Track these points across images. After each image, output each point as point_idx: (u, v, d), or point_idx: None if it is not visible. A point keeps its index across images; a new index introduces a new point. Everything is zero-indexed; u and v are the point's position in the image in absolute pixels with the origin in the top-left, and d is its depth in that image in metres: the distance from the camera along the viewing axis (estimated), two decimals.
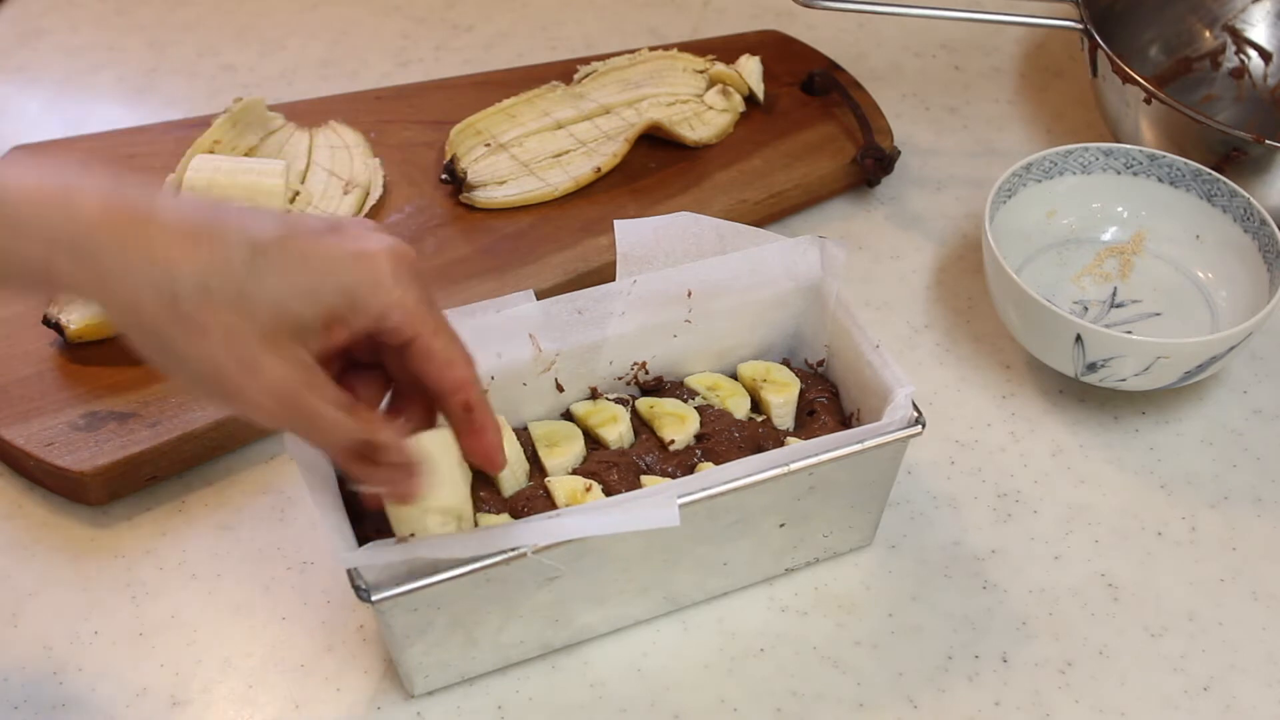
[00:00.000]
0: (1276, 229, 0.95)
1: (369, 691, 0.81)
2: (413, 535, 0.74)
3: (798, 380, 0.87)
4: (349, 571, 0.73)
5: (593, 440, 0.85)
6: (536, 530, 0.74)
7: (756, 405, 0.87)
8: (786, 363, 0.89)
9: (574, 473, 0.83)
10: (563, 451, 0.83)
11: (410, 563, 0.73)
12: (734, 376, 0.88)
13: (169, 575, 0.86)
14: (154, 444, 0.88)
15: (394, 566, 0.73)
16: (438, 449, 0.73)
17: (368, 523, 0.77)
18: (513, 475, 0.82)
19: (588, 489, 0.81)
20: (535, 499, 0.81)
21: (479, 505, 0.80)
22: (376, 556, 0.72)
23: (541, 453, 0.83)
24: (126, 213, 0.63)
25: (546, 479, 0.82)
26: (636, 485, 0.82)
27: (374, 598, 0.73)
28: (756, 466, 0.77)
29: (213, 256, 0.64)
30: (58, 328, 0.91)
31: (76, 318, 0.91)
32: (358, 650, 0.82)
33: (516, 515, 0.80)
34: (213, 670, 0.82)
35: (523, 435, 0.84)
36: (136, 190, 0.64)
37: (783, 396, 0.86)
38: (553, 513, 0.74)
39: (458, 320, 0.82)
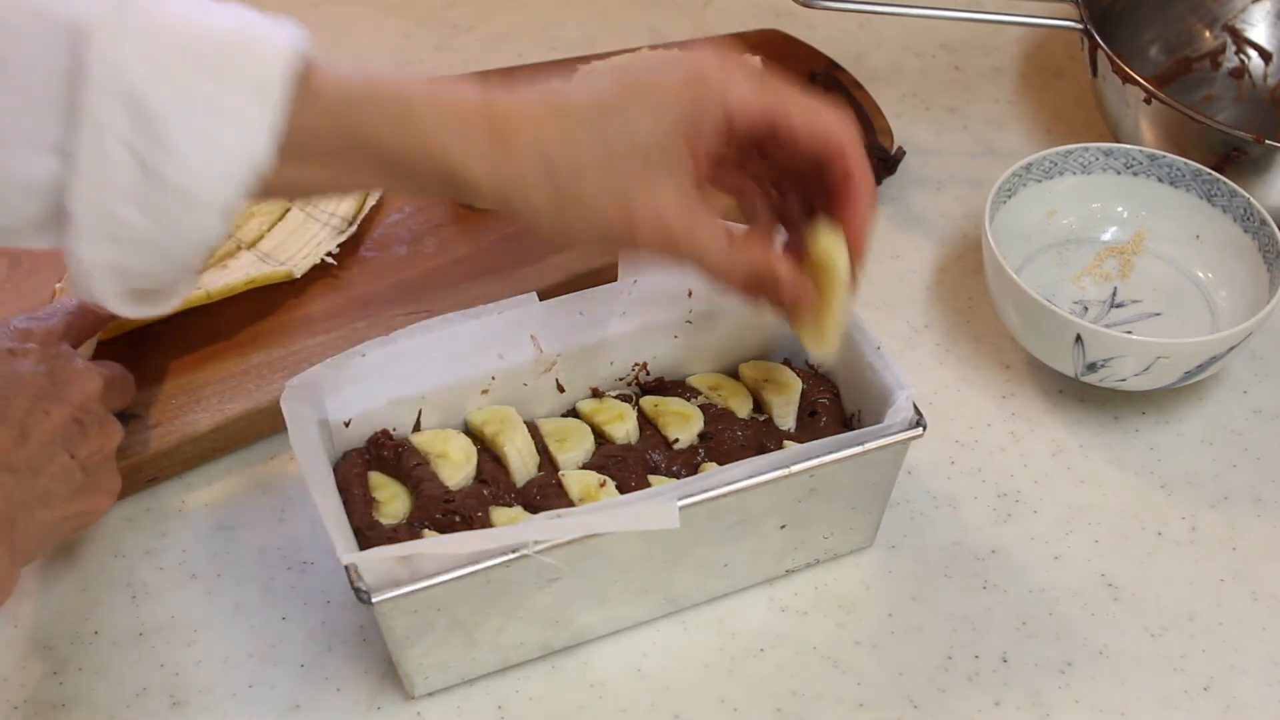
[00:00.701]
0: (1276, 229, 0.95)
1: (369, 691, 0.81)
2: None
3: (799, 380, 0.87)
4: (349, 572, 0.73)
5: (598, 437, 0.85)
6: (537, 530, 0.74)
7: (758, 405, 0.87)
8: (788, 363, 0.89)
9: (585, 467, 0.83)
10: (573, 446, 0.84)
11: (410, 563, 0.73)
12: (735, 376, 0.89)
13: (169, 575, 0.86)
14: (155, 445, 0.88)
15: (394, 568, 0.73)
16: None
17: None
18: (524, 465, 0.82)
19: (601, 484, 0.81)
20: (548, 487, 0.81)
21: (489, 496, 0.80)
22: (377, 557, 0.72)
23: (552, 447, 0.84)
24: (497, 119, 0.71)
25: (560, 473, 0.82)
26: (646, 481, 0.82)
27: (374, 599, 0.73)
28: (757, 468, 0.77)
29: (573, 129, 0.71)
30: None
31: None
32: (358, 650, 0.82)
33: (530, 504, 0.81)
34: (213, 670, 0.82)
35: (532, 430, 0.85)
36: (498, 92, 0.72)
37: (784, 397, 0.86)
38: (552, 513, 0.74)
39: (460, 322, 0.83)
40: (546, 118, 0.72)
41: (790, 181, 0.79)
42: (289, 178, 0.69)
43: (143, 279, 0.69)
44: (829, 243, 0.76)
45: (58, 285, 0.94)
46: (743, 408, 0.86)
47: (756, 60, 0.94)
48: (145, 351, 0.92)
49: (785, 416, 0.86)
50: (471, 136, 0.71)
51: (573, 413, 0.87)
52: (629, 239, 0.73)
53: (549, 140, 0.71)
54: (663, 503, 0.74)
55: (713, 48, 0.75)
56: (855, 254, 0.77)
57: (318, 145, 0.69)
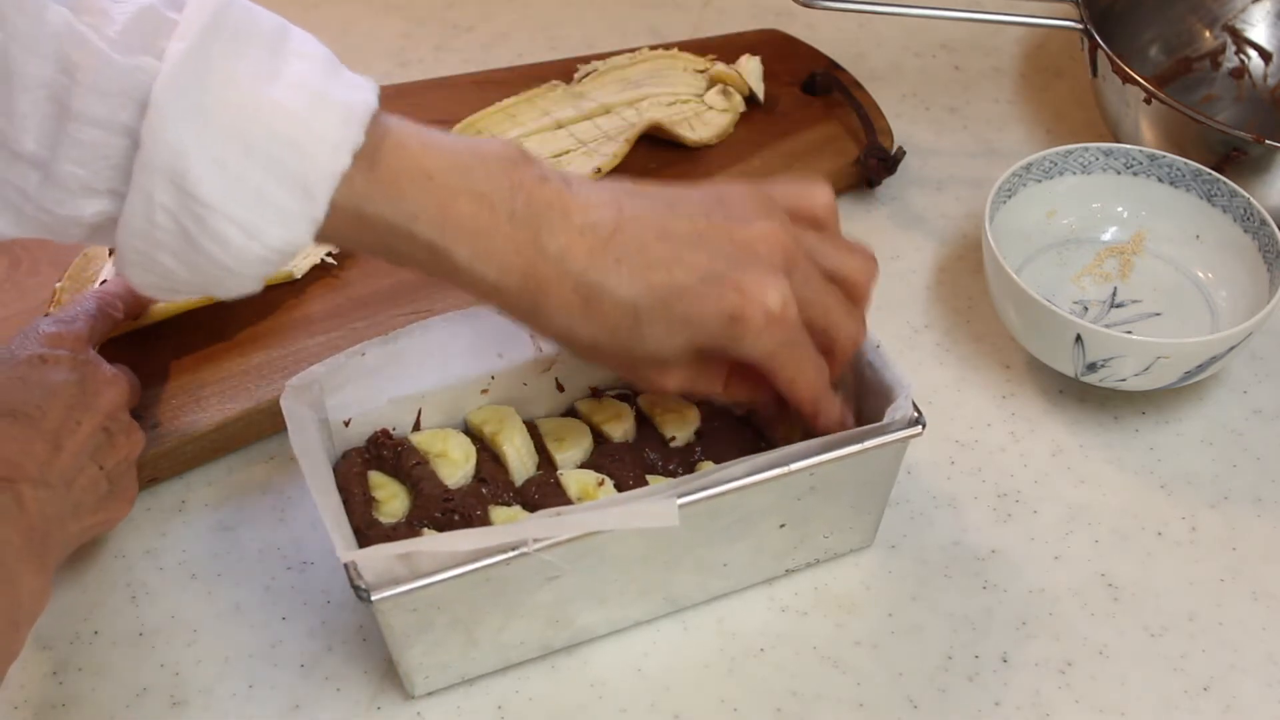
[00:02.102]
0: (1276, 229, 0.95)
1: (369, 691, 0.81)
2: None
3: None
4: (348, 570, 0.73)
5: (597, 436, 0.85)
6: (536, 528, 0.74)
7: None
8: None
9: (583, 466, 0.83)
10: (571, 446, 0.84)
11: (410, 562, 0.73)
12: None
13: (169, 575, 0.86)
14: (154, 446, 0.88)
15: (394, 566, 0.73)
16: None
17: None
18: (522, 464, 0.83)
19: (600, 484, 0.81)
20: (546, 486, 0.81)
21: (488, 495, 0.81)
22: (376, 556, 0.72)
23: (550, 446, 0.84)
24: (534, 282, 0.73)
25: (558, 472, 0.82)
26: (643, 480, 0.82)
27: (374, 598, 0.73)
28: (757, 467, 0.77)
29: (603, 323, 0.74)
30: None
31: None
32: (358, 650, 0.82)
33: (528, 503, 0.81)
34: (213, 670, 0.82)
35: (531, 430, 0.85)
36: (540, 248, 0.73)
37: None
38: (552, 510, 0.75)
39: (460, 321, 0.83)
40: (575, 291, 0.73)
41: None
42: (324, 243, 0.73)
43: (180, 292, 0.72)
44: None
45: (58, 285, 0.94)
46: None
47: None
48: (145, 351, 0.92)
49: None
50: (507, 276, 0.73)
51: (571, 412, 0.87)
52: (632, 383, 0.83)
53: (572, 313, 0.73)
54: (662, 501, 0.74)
55: (783, 286, 0.75)
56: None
57: (356, 239, 0.72)
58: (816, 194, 0.80)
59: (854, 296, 0.80)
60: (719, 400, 0.82)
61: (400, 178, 0.70)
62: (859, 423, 0.85)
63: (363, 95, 0.69)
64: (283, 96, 0.67)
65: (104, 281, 0.91)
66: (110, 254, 0.94)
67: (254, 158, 0.67)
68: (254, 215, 0.67)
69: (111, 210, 0.67)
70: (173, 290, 0.71)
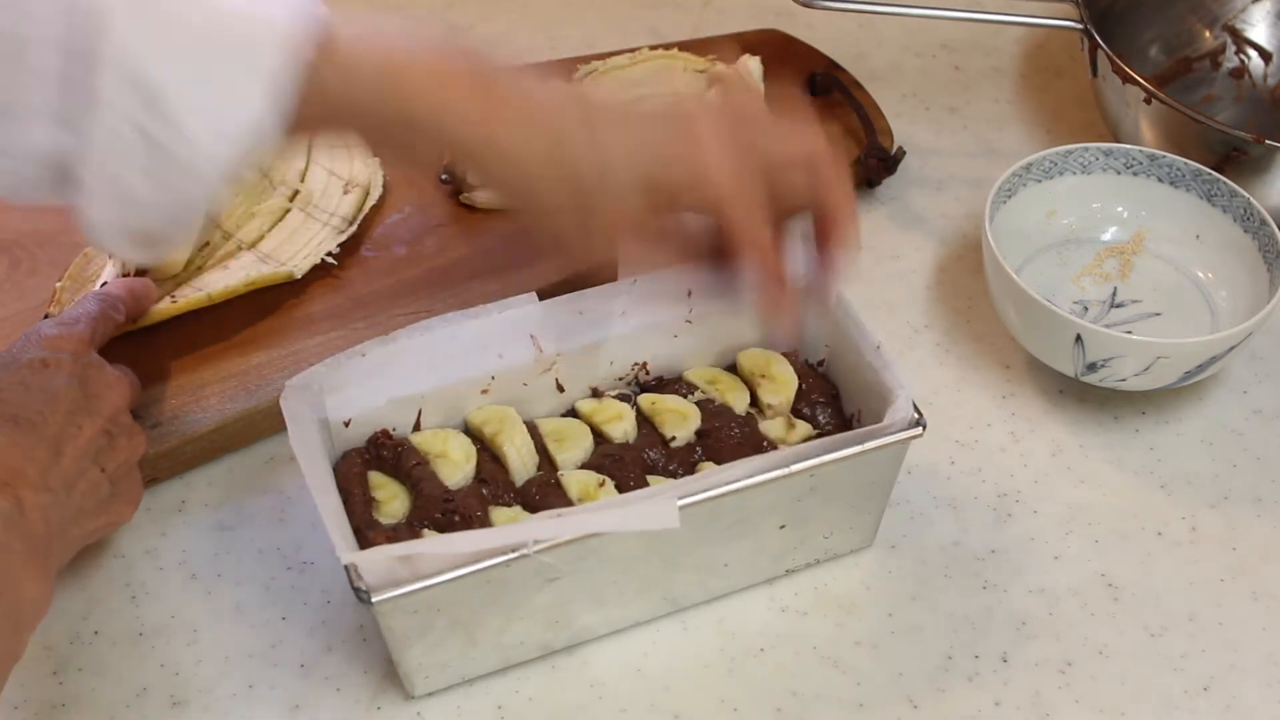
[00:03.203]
0: (1276, 229, 0.95)
1: (369, 692, 0.81)
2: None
3: (795, 378, 0.87)
4: (349, 572, 0.73)
5: (597, 437, 0.85)
6: (536, 530, 0.74)
7: (754, 397, 0.87)
8: (794, 354, 0.88)
9: (583, 467, 0.83)
10: (572, 446, 0.84)
11: (410, 563, 0.73)
12: (734, 366, 0.89)
13: (169, 575, 0.86)
14: (154, 446, 0.88)
15: (394, 568, 0.73)
16: None
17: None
18: (523, 465, 0.83)
19: (600, 484, 0.81)
20: (547, 487, 0.81)
21: (488, 496, 0.81)
22: (376, 557, 0.72)
23: (551, 447, 0.84)
24: (490, 112, 0.74)
25: (559, 473, 0.82)
26: (644, 480, 0.82)
27: (374, 599, 0.73)
28: (757, 468, 0.77)
29: (554, 129, 0.75)
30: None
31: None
32: (358, 650, 0.82)
33: (529, 504, 0.81)
34: (213, 670, 0.82)
35: (531, 430, 0.85)
36: (501, 95, 0.75)
37: (780, 397, 0.86)
38: (552, 512, 0.75)
39: (459, 321, 0.83)
40: (521, 113, 0.75)
41: None
42: (290, 141, 0.72)
43: (146, 231, 0.72)
44: None
45: (58, 284, 0.94)
46: (740, 403, 0.86)
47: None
48: (145, 351, 0.92)
49: (782, 414, 0.86)
50: (465, 125, 0.74)
51: (572, 412, 0.87)
52: (582, 255, 0.80)
53: (529, 153, 0.75)
54: (663, 502, 0.74)
55: (733, 158, 0.77)
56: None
57: (318, 121, 0.73)
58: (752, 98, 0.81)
59: (819, 169, 0.80)
60: (661, 261, 0.81)
61: (354, 50, 0.72)
62: (859, 424, 0.85)
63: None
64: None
65: (104, 284, 0.91)
66: (110, 255, 0.94)
67: (210, 47, 0.68)
68: (216, 103, 0.68)
69: (69, 144, 0.68)
70: (141, 231, 0.71)
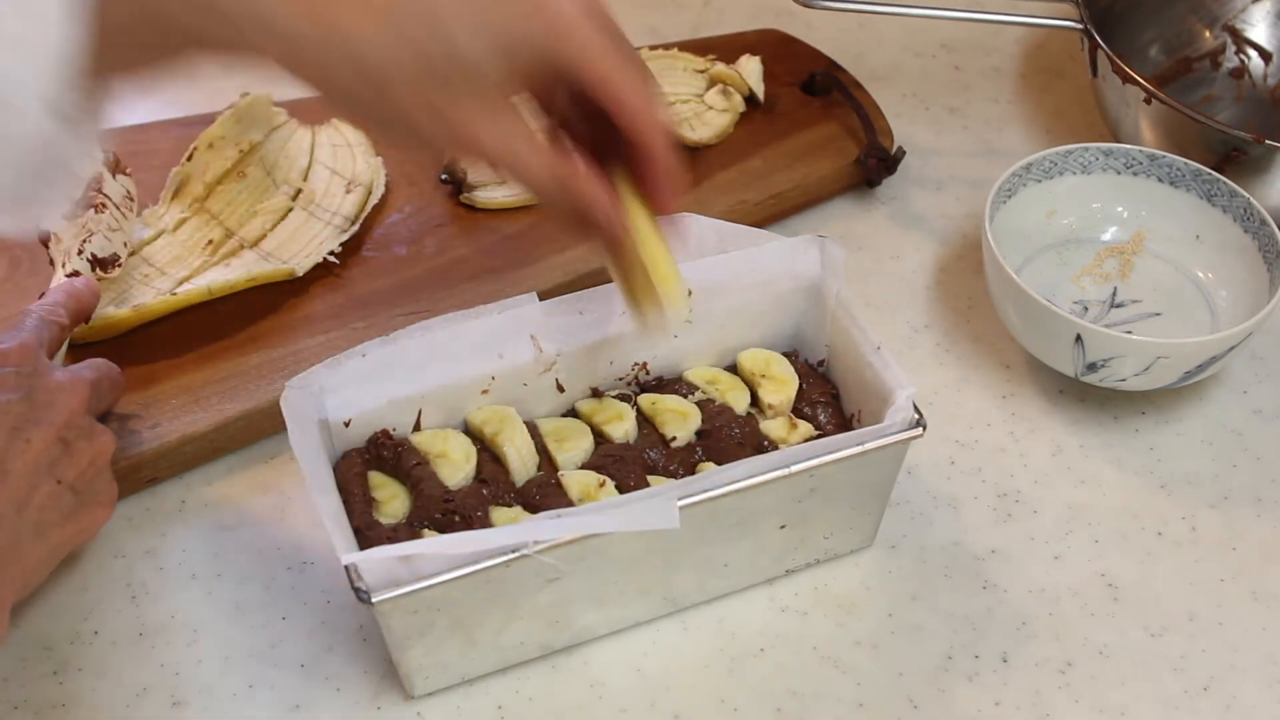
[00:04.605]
0: (1276, 229, 0.95)
1: (369, 691, 0.81)
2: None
3: (796, 378, 0.87)
4: (349, 572, 0.73)
5: (598, 437, 0.85)
6: (537, 530, 0.74)
7: (755, 397, 0.87)
8: (794, 355, 0.88)
9: (583, 467, 0.83)
10: (572, 447, 0.84)
11: (410, 563, 0.73)
12: (735, 364, 0.89)
13: (169, 575, 0.86)
14: (154, 446, 0.88)
15: (394, 568, 0.73)
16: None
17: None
18: (523, 465, 0.83)
19: (601, 484, 0.81)
20: (547, 487, 0.81)
21: (488, 496, 0.81)
22: (377, 557, 0.72)
23: (551, 447, 0.84)
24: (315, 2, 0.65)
25: (559, 473, 0.82)
26: (644, 480, 0.82)
27: (374, 599, 0.73)
28: (757, 468, 0.77)
29: (394, 28, 0.66)
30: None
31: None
32: (358, 650, 0.82)
33: (529, 504, 0.81)
34: (213, 670, 0.82)
35: (531, 430, 0.85)
36: None
37: (780, 397, 0.86)
38: (552, 512, 0.75)
39: (460, 321, 0.83)
40: (372, 12, 0.65)
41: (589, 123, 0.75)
42: (104, 65, 0.64)
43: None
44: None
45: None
46: (740, 403, 0.86)
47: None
48: (144, 351, 0.92)
49: (781, 415, 0.86)
50: (292, 14, 0.65)
51: (572, 413, 0.87)
52: (440, 146, 0.71)
53: (362, 26, 0.65)
54: (663, 503, 0.74)
55: None
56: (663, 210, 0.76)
57: (123, 23, 0.64)
58: None
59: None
60: (543, 188, 0.72)
61: None
62: (859, 424, 0.85)
63: None
64: None
65: (42, 294, 0.91)
66: (55, 264, 0.94)
67: None
68: (15, 26, 0.60)
69: None
70: None
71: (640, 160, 0.74)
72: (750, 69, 1.10)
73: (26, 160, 0.64)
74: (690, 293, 0.86)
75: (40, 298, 0.90)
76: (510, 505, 0.81)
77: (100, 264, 0.92)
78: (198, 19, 0.65)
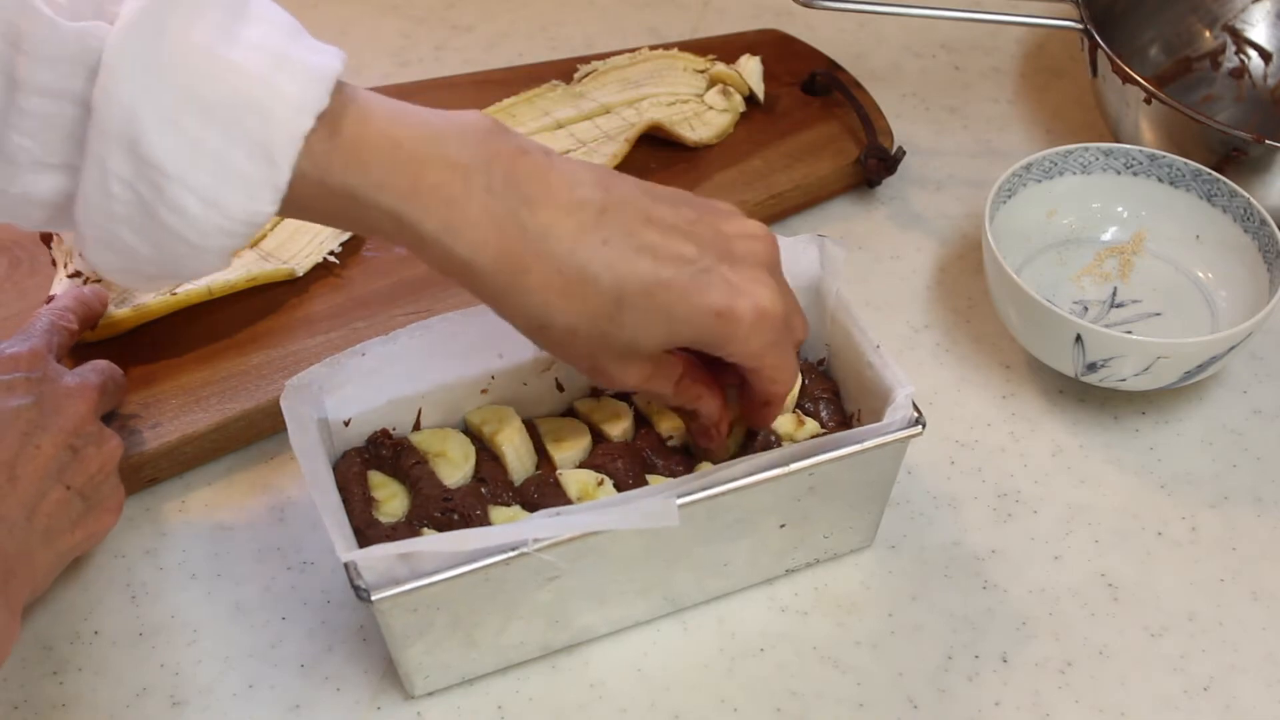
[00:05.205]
0: (1276, 229, 0.95)
1: (369, 691, 0.81)
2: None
3: (799, 374, 0.87)
4: (348, 570, 0.73)
5: (596, 435, 0.85)
6: (536, 528, 0.74)
7: None
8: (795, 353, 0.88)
9: (582, 466, 0.83)
10: (570, 445, 0.84)
11: (410, 561, 0.73)
12: None
13: (169, 575, 0.86)
14: (154, 445, 0.88)
15: (394, 566, 0.73)
16: None
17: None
18: (521, 464, 0.83)
19: (599, 483, 0.81)
20: (546, 486, 0.81)
21: (487, 495, 0.81)
22: (376, 555, 0.72)
23: (550, 446, 0.84)
24: (512, 260, 0.69)
25: (557, 472, 0.82)
26: (643, 479, 0.82)
27: (373, 597, 0.73)
28: (757, 467, 0.77)
29: (584, 308, 0.71)
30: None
31: None
32: (358, 650, 0.82)
33: (528, 503, 0.81)
34: (213, 670, 0.82)
35: (529, 429, 0.85)
36: (520, 224, 0.69)
37: None
38: (552, 510, 0.75)
39: (461, 321, 0.83)
40: (557, 274, 0.70)
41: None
42: (288, 216, 0.70)
43: (145, 274, 0.69)
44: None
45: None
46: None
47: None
48: (144, 351, 0.92)
49: (785, 416, 0.86)
50: (481, 253, 0.69)
51: (570, 412, 0.87)
52: (586, 374, 0.76)
53: (551, 295, 0.70)
54: (662, 501, 0.74)
55: (772, 286, 0.74)
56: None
57: (321, 209, 0.69)
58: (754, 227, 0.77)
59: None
60: (662, 402, 0.80)
61: (365, 143, 0.67)
62: (859, 423, 0.85)
63: (326, 59, 0.66)
64: (241, 58, 0.64)
65: (53, 297, 0.91)
66: (57, 264, 0.94)
67: (212, 120, 0.63)
68: (214, 181, 0.64)
69: (68, 187, 0.65)
70: (136, 271, 0.68)
71: (759, 406, 0.80)
72: (750, 69, 1.10)
73: (188, 274, 0.69)
74: None
75: (48, 300, 0.90)
76: (509, 504, 0.81)
77: None
78: (392, 229, 0.69)
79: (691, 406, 0.79)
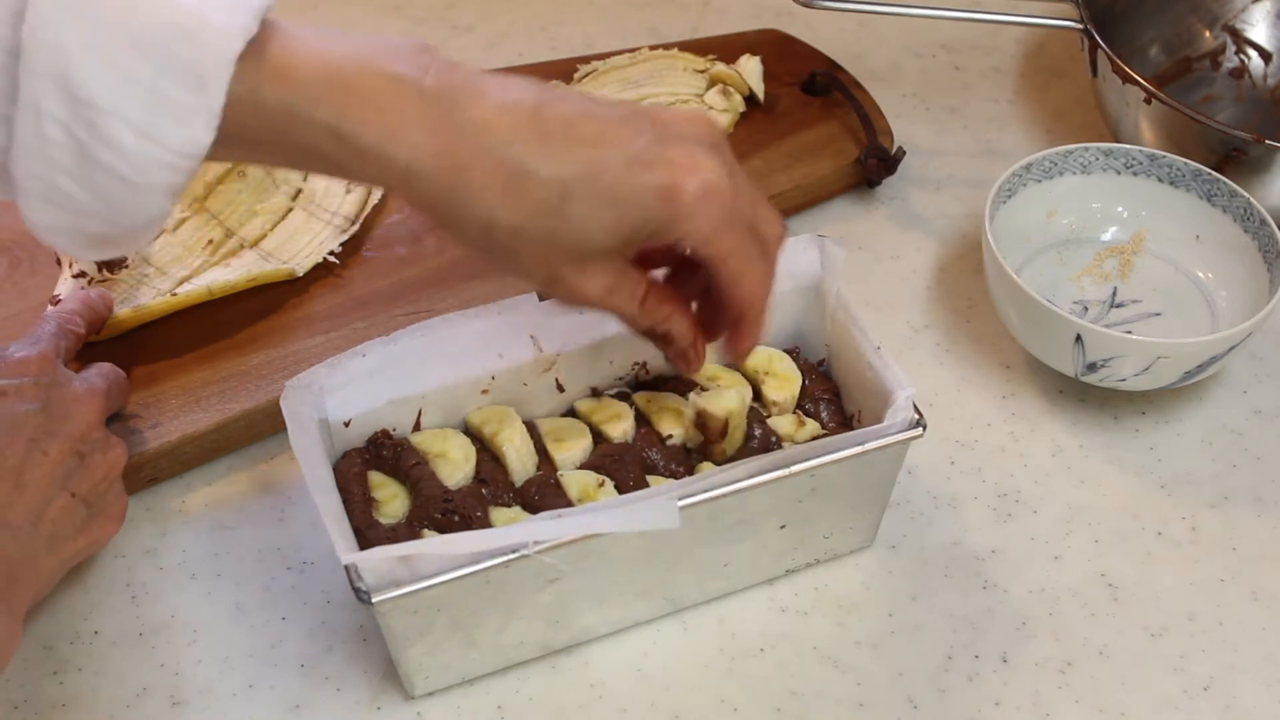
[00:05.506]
0: (1276, 229, 0.95)
1: (369, 692, 0.81)
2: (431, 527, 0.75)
3: (799, 374, 0.87)
4: (349, 572, 0.73)
5: (596, 436, 0.85)
6: (537, 530, 0.74)
7: (758, 395, 0.87)
8: (796, 351, 0.88)
9: (582, 467, 0.83)
10: (570, 446, 0.84)
11: (410, 563, 0.73)
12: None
13: (169, 575, 0.86)
14: (155, 445, 0.88)
15: (394, 568, 0.73)
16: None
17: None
18: (522, 465, 0.83)
19: (600, 484, 0.81)
20: (546, 487, 0.81)
21: (488, 496, 0.81)
22: (377, 557, 0.72)
23: (550, 447, 0.84)
24: (451, 160, 0.68)
25: (558, 473, 0.82)
26: (644, 480, 0.82)
27: (374, 600, 0.73)
28: (758, 468, 0.77)
29: (526, 202, 0.70)
30: None
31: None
32: (358, 650, 0.82)
33: (528, 504, 0.81)
34: (213, 670, 0.82)
35: (530, 429, 0.85)
36: (457, 124, 0.69)
37: (784, 394, 0.86)
38: (552, 512, 0.75)
39: (460, 322, 0.83)
40: (496, 169, 0.69)
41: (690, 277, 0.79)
42: (229, 156, 0.68)
43: (88, 233, 0.68)
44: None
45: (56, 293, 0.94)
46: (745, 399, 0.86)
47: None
48: (144, 351, 0.92)
49: (785, 411, 0.86)
50: (419, 157, 0.68)
51: (571, 412, 0.87)
52: (543, 287, 0.75)
53: (492, 194, 0.69)
54: (663, 503, 0.74)
55: (715, 158, 0.72)
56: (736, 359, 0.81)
57: (258, 135, 0.68)
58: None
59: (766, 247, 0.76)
60: (634, 326, 0.78)
61: (297, 62, 0.67)
62: (859, 424, 0.85)
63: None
64: None
65: (57, 297, 0.91)
66: (62, 264, 0.94)
67: (142, 51, 0.63)
68: (147, 113, 0.63)
69: (3, 141, 0.65)
70: (79, 230, 0.67)
71: (731, 321, 0.77)
72: (750, 69, 1.10)
73: (133, 224, 0.67)
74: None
75: (53, 300, 0.90)
76: (509, 505, 0.81)
77: (107, 264, 0.93)
78: (331, 147, 0.68)
79: (662, 328, 0.77)
